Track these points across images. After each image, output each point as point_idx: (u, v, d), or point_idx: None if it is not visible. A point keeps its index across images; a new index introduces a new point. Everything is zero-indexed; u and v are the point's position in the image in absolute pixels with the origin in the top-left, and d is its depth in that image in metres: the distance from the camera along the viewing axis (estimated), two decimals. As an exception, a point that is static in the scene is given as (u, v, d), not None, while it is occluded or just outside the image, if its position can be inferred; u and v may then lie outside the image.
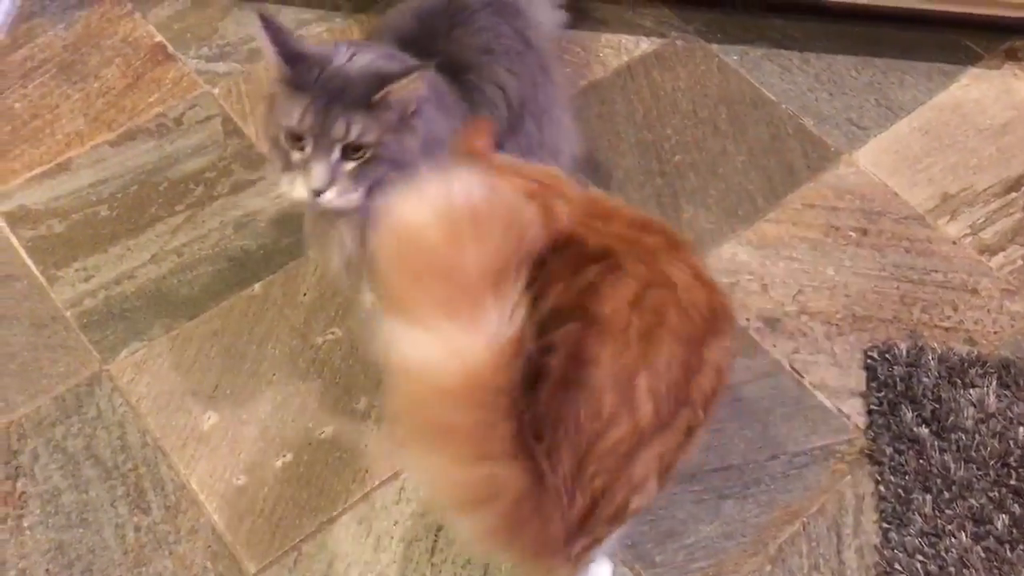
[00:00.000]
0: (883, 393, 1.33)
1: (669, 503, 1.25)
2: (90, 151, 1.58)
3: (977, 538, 1.21)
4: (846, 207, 1.55)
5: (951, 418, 1.30)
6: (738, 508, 1.25)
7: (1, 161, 1.57)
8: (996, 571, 1.19)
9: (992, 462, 1.27)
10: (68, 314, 1.40)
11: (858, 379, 1.36)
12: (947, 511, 1.23)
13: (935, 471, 1.26)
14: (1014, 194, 1.57)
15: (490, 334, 0.71)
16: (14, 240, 1.48)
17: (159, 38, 1.74)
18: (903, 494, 1.24)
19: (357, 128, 0.99)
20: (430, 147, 1.05)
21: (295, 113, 1.00)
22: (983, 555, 1.20)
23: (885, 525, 1.22)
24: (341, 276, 1.16)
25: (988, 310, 1.43)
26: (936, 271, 1.48)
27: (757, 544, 1.22)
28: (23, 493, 1.25)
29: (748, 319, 1.42)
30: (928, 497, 1.24)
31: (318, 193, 1.01)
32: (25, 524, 1.22)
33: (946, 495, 1.24)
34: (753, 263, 1.48)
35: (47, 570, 1.19)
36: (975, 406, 1.31)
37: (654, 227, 0.95)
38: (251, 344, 1.38)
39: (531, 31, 1.27)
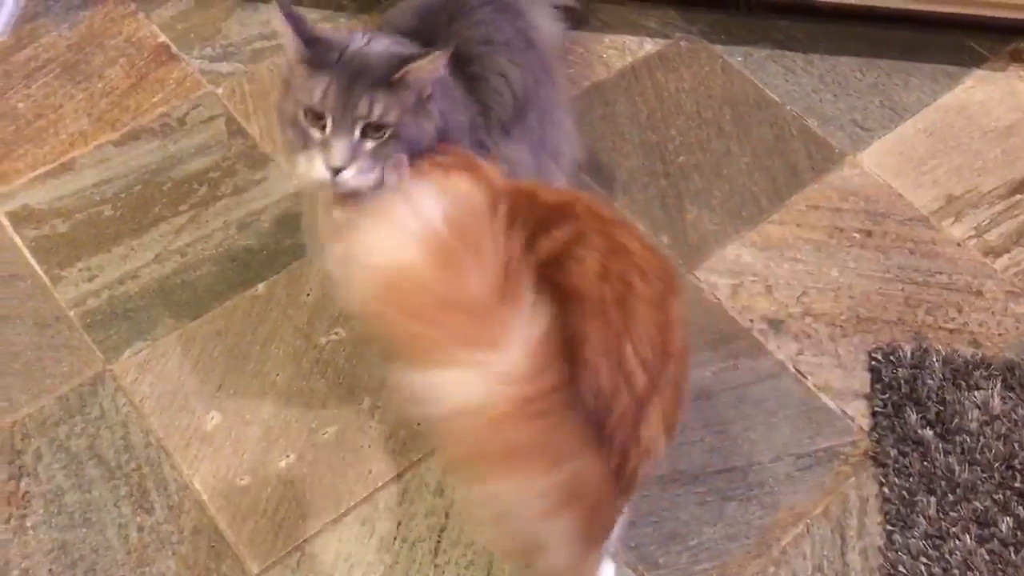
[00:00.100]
0: (887, 395, 1.33)
1: (672, 505, 1.24)
2: (94, 151, 1.58)
3: (981, 540, 1.21)
4: (850, 208, 1.54)
5: (955, 420, 1.30)
6: (742, 510, 1.25)
7: (5, 161, 1.57)
8: (1000, 574, 1.18)
9: (997, 464, 1.26)
10: (72, 314, 1.40)
11: (862, 381, 1.36)
12: (951, 513, 1.22)
13: (939, 473, 1.25)
14: (1019, 196, 1.56)
15: (524, 339, 0.69)
16: (18, 240, 1.48)
17: (163, 38, 1.74)
18: (907, 496, 1.24)
19: (380, 106, 0.99)
20: (443, 136, 1.06)
21: (317, 91, 0.99)
22: (987, 558, 1.19)
23: (889, 527, 1.22)
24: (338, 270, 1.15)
25: (993, 312, 1.43)
26: (941, 273, 1.47)
27: (761, 546, 1.22)
28: (26, 493, 1.25)
29: (752, 320, 1.42)
30: (932, 499, 1.23)
31: (337, 171, 1.00)
32: (28, 524, 1.22)
33: (950, 497, 1.24)
34: (757, 264, 1.48)
35: (50, 570, 1.19)
36: (980, 408, 1.31)
37: (579, 197, 0.95)
38: (255, 344, 1.38)
39: (532, 32, 1.27)
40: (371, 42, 1.04)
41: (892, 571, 1.19)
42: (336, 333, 1.38)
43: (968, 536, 1.21)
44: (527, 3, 1.30)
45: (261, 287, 1.43)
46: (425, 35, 1.15)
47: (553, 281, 0.83)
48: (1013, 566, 1.19)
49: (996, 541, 1.21)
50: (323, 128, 1.01)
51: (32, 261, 1.46)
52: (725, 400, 1.33)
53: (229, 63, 1.70)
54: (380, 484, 1.26)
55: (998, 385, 1.33)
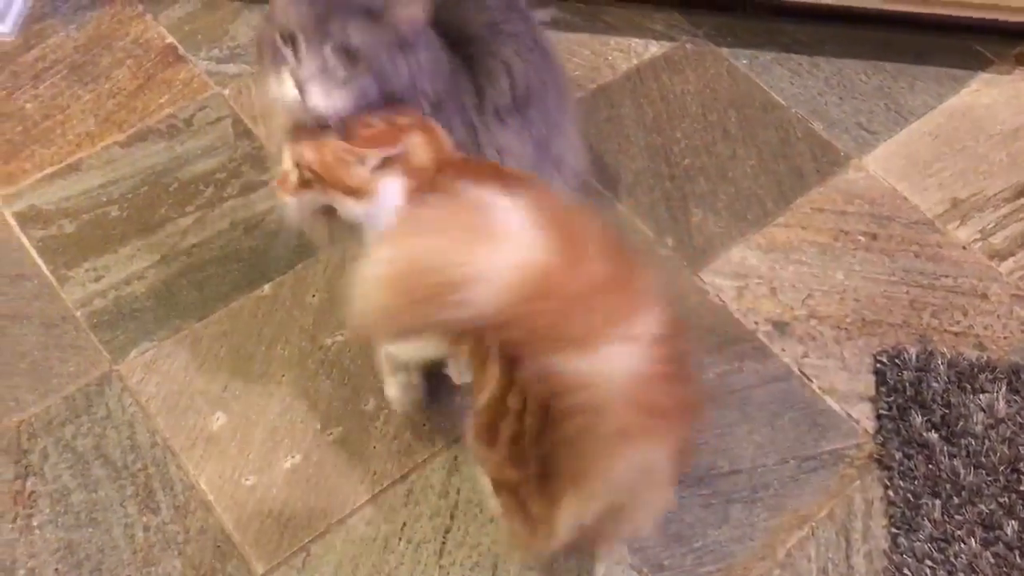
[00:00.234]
0: (892, 398, 1.33)
1: (677, 507, 1.24)
2: (100, 152, 1.59)
3: (986, 544, 1.21)
4: (855, 211, 1.54)
5: (960, 423, 1.30)
6: (746, 512, 1.25)
7: (12, 161, 1.57)
8: (1005, 577, 1.19)
9: (1002, 468, 1.26)
10: (78, 314, 1.41)
11: (867, 384, 1.36)
12: (956, 516, 1.22)
13: (944, 476, 1.25)
14: (1024, 199, 1.57)
15: (653, 304, 0.72)
16: (25, 240, 1.48)
17: (170, 39, 1.74)
18: (912, 499, 1.24)
19: (353, 31, 1.00)
20: (415, 97, 1.06)
21: (293, 11, 1.01)
22: (992, 561, 1.19)
23: (894, 530, 1.22)
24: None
25: (998, 315, 1.43)
26: (946, 276, 1.47)
27: (765, 548, 1.22)
28: (33, 492, 1.25)
29: (757, 323, 1.42)
30: (937, 502, 1.23)
31: (305, 88, 1.01)
32: (35, 523, 1.23)
33: (955, 500, 1.24)
34: (762, 267, 1.48)
35: (56, 569, 1.19)
36: (985, 411, 1.31)
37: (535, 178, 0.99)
38: (260, 345, 1.38)
39: (543, 38, 1.27)
40: None
41: (897, 574, 1.19)
42: (341, 334, 1.39)
43: (973, 539, 1.21)
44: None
45: (267, 288, 1.44)
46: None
47: None
48: (1018, 569, 1.19)
49: (1001, 544, 1.21)
50: (296, 49, 1.01)
51: (39, 261, 1.46)
52: (730, 402, 1.33)
53: (236, 64, 1.70)
54: (385, 485, 1.26)
55: (1003, 388, 1.33)
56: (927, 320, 1.42)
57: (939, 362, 1.35)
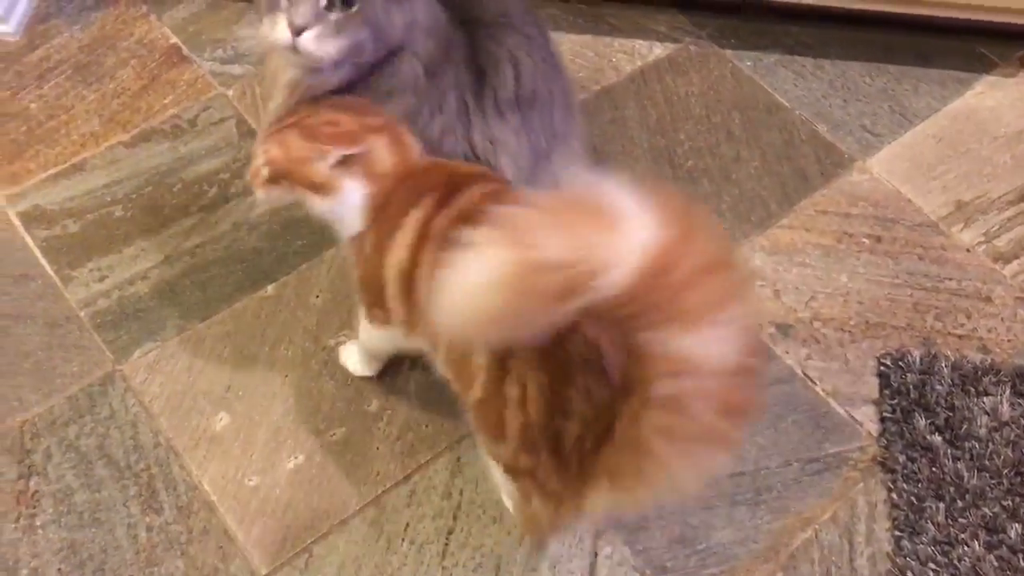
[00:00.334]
0: (896, 400, 1.33)
1: (680, 509, 1.24)
2: (105, 152, 1.59)
3: (990, 547, 1.20)
4: (859, 214, 1.54)
5: (964, 426, 1.29)
6: (750, 514, 1.25)
7: (16, 161, 1.57)
8: (1009, 580, 1.18)
9: (1006, 471, 1.26)
10: (82, 314, 1.41)
11: (871, 386, 1.36)
12: (960, 520, 1.22)
13: (948, 479, 1.25)
14: (1028, 202, 1.57)
15: (749, 283, 0.77)
16: (29, 240, 1.49)
17: (174, 40, 1.75)
18: (916, 502, 1.24)
19: None
20: (418, 71, 1.08)
21: None
22: (996, 564, 1.19)
23: (897, 533, 1.22)
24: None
25: (1002, 318, 1.43)
26: (950, 279, 1.47)
27: (769, 551, 1.22)
28: (36, 492, 1.25)
29: (760, 325, 1.41)
30: (941, 505, 1.23)
31: (299, 32, 1.01)
32: (38, 523, 1.23)
33: (959, 503, 1.23)
34: (766, 269, 1.48)
35: (59, 569, 1.19)
36: (989, 414, 1.31)
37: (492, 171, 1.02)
38: (263, 345, 1.38)
39: (555, 52, 1.26)
40: None
41: (900, 577, 1.19)
42: (345, 335, 1.39)
43: (977, 542, 1.20)
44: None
45: (270, 288, 1.44)
46: None
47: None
48: (1022, 572, 1.18)
49: (1005, 547, 1.20)
50: None
51: (43, 261, 1.46)
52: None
53: (240, 65, 1.71)
54: (388, 486, 1.26)
55: (1007, 391, 1.33)
56: (931, 323, 1.42)
57: (943, 365, 1.35)
